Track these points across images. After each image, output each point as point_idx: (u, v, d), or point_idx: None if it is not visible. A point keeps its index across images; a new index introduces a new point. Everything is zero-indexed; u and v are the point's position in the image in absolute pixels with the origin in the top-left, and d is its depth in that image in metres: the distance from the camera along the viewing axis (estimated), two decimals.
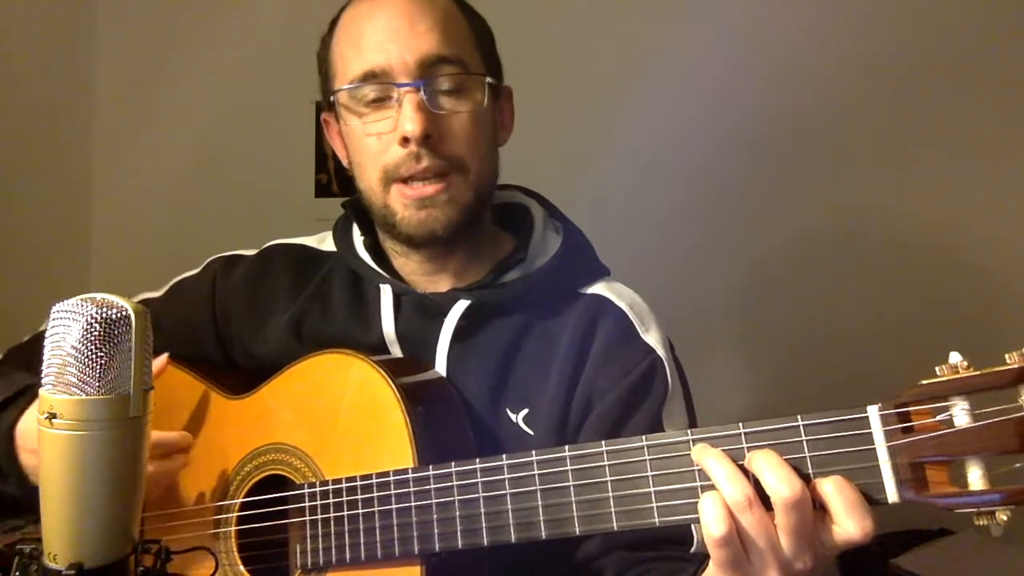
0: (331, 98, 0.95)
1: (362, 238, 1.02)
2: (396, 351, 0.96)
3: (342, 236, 1.04)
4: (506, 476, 0.75)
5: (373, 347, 0.96)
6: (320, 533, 0.84)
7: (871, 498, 0.62)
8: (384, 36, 0.89)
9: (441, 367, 0.94)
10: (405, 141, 0.87)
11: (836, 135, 1.91)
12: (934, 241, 1.87)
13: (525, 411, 0.92)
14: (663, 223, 1.94)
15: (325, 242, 1.08)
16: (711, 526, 0.63)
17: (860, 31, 1.89)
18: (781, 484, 0.62)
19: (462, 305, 0.94)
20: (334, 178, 2.25)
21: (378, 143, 0.90)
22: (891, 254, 1.88)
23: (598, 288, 0.99)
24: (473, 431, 0.91)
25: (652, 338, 0.95)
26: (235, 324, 1.05)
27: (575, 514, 0.72)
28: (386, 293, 0.98)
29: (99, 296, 0.60)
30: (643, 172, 1.96)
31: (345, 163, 0.99)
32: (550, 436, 0.91)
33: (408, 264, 0.99)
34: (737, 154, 1.94)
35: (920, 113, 1.86)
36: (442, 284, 0.99)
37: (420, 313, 0.96)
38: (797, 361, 1.92)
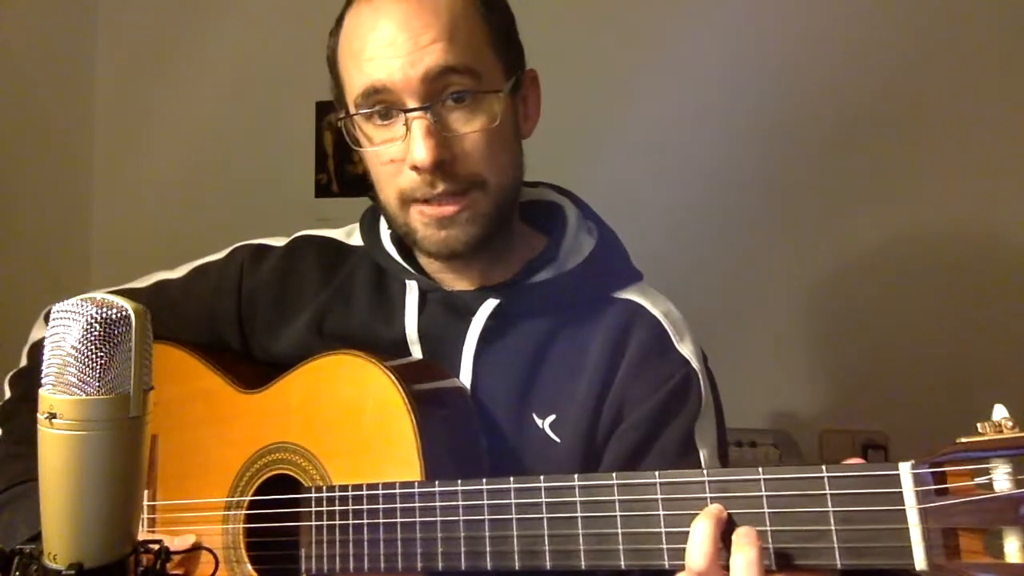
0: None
1: (389, 231, 0.98)
2: (417, 350, 0.94)
3: (368, 229, 1.01)
4: (513, 501, 0.72)
5: (394, 342, 0.94)
6: (326, 539, 0.83)
7: (896, 563, 0.58)
8: (386, 51, 0.83)
9: (467, 368, 0.91)
10: (417, 169, 0.84)
11: (847, 132, 1.91)
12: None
13: (552, 417, 0.89)
14: (673, 221, 1.93)
15: (352, 236, 1.05)
16: None
17: (880, 26, 1.89)
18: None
19: (491, 304, 0.91)
20: (334, 178, 2.25)
21: (392, 167, 0.87)
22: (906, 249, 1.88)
23: (631, 294, 0.95)
24: (497, 436, 0.88)
25: (687, 349, 0.91)
26: (260, 318, 1.03)
27: (581, 547, 0.69)
28: (412, 290, 0.95)
29: (99, 296, 0.59)
30: (656, 169, 1.96)
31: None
32: (577, 444, 0.88)
33: (432, 262, 0.96)
34: (749, 152, 1.93)
35: (936, 107, 1.86)
36: (469, 282, 0.95)
37: (447, 311, 0.94)
38: (808, 363, 1.92)
